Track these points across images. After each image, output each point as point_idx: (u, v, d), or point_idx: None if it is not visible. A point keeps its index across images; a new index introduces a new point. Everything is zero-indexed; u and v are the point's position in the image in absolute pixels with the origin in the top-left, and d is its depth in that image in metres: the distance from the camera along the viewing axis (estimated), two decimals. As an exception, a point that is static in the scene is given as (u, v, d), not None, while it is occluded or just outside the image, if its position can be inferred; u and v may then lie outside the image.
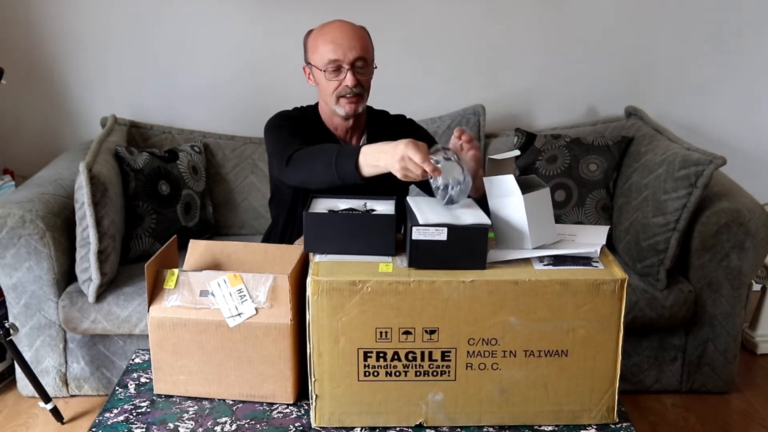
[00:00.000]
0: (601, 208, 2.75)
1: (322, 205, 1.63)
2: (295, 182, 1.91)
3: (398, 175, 1.61)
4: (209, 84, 3.11)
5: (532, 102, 3.19)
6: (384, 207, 1.63)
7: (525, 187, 1.52)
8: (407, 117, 2.24)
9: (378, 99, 2.38)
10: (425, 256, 1.45)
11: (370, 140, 2.12)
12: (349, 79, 1.97)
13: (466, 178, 1.56)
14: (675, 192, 2.39)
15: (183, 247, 1.79)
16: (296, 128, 2.03)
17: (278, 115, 2.13)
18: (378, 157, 1.66)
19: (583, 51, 3.14)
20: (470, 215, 1.49)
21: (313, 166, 1.79)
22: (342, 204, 1.64)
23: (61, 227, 2.43)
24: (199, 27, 3.06)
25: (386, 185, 1.87)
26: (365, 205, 1.63)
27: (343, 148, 1.77)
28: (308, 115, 2.14)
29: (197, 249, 1.77)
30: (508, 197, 1.51)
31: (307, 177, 1.83)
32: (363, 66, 2.00)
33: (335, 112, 2.04)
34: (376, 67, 2.06)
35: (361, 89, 2.01)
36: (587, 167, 2.78)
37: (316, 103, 2.16)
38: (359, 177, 1.70)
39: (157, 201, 2.66)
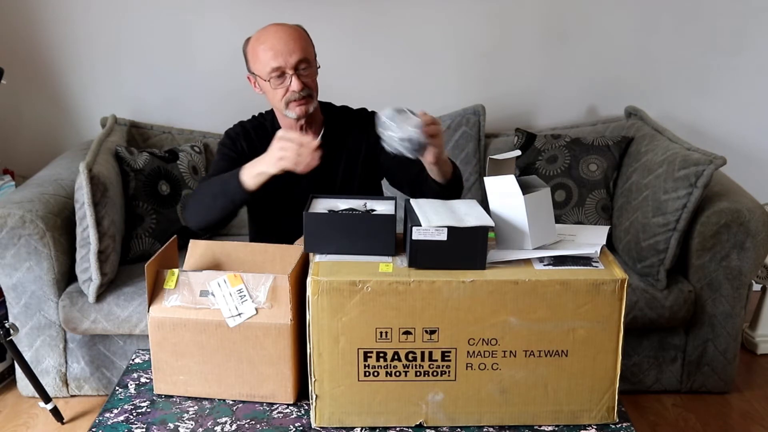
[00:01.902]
0: (601, 208, 2.75)
1: (322, 205, 1.63)
2: (195, 224, 1.98)
3: (274, 164, 1.75)
4: (209, 84, 3.11)
5: (532, 102, 3.19)
6: (384, 207, 1.63)
7: (525, 187, 1.52)
8: (369, 110, 2.23)
9: (378, 99, 2.38)
10: (425, 256, 1.45)
11: (328, 135, 2.14)
12: (294, 84, 1.97)
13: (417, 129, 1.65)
14: (675, 192, 2.39)
15: (183, 247, 1.79)
16: (230, 156, 2.07)
17: (227, 133, 2.16)
18: (256, 164, 1.81)
19: (583, 51, 3.14)
20: (473, 216, 1.49)
21: (204, 201, 1.92)
22: (342, 204, 1.64)
23: (61, 227, 2.43)
24: (199, 27, 3.06)
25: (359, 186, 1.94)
26: (365, 205, 1.63)
27: (224, 176, 1.90)
28: (264, 122, 2.16)
29: (197, 249, 1.77)
30: (509, 197, 1.51)
31: (203, 214, 1.94)
32: (306, 67, 2.00)
33: (287, 116, 2.06)
34: (319, 67, 2.07)
35: (309, 90, 2.01)
36: (587, 167, 2.78)
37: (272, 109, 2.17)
38: (245, 192, 1.83)
39: (157, 201, 2.66)
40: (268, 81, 1.98)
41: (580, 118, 3.20)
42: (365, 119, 2.20)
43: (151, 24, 3.04)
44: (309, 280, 1.42)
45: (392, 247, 1.51)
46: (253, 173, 1.81)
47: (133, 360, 1.79)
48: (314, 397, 1.48)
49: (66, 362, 2.54)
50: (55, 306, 2.46)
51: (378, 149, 2.15)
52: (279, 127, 2.13)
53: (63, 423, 2.46)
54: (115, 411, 1.59)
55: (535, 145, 2.88)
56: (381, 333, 1.44)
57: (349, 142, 2.15)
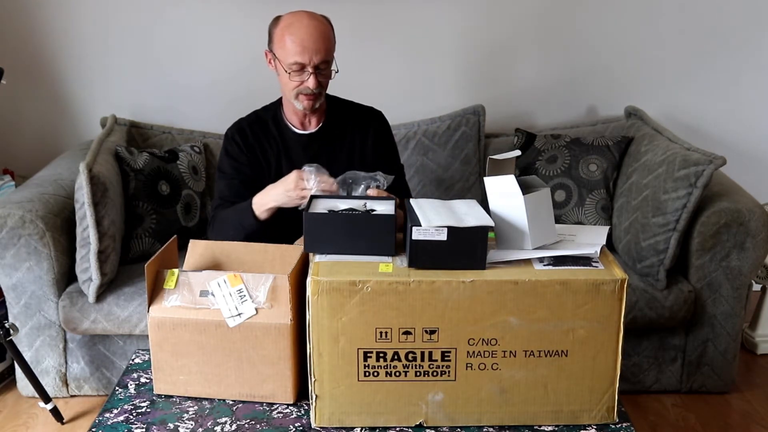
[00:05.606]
0: (601, 208, 2.75)
1: (322, 205, 1.63)
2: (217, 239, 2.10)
3: (280, 201, 1.94)
4: (209, 84, 3.11)
5: (532, 102, 3.19)
6: (384, 207, 1.63)
7: (525, 188, 1.52)
8: (381, 113, 2.30)
9: (379, 99, 2.39)
10: (425, 256, 1.45)
11: (328, 126, 2.21)
12: (311, 82, 2.05)
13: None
14: (675, 192, 2.39)
15: (183, 247, 1.79)
16: (238, 159, 2.17)
17: (226, 134, 2.24)
18: (266, 198, 1.99)
19: (583, 51, 3.14)
20: (473, 216, 1.49)
21: (227, 230, 2.06)
22: (342, 204, 1.64)
23: (61, 227, 2.43)
24: (199, 27, 3.06)
25: None
26: (365, 205, 1.63)
27: (240, 209, 2.05)
28: (265, 115, 2.23)
29: (197, 249, 1.77)
30: (509, 198, 1.51)
31: (224, 238, 2.02)
32: (326, 68, 2.07)
33: (293, 104, 2.13)
34: (337, 71, 2.12)
35: (321, 88, 2.09)
36: (587, 167, 2.78)
37: (281, 97, 2.23)
38: (257, 222, 2.01)
39: (157, 201, 2.66)
40: (288, 73, 2.05)
41: (580, 118, 3.20)
42: (369, 116, 2.26)
43: (151, 24, 3.04)
44: (309, 280, 1.42)
45: (392, 247, 1.51)
46: (263, 207, 1.99)
47: (133, 360, 1.79)
48: (314, 397, 1.48)
49: (66, 362, 2.54)
50: (55, 306, 2.46)
51: (372, 149, 2.21)
52: (282, 119, 2.21)
53: (63, 423, 2.46)
54: (115, 411, 1.59)
55: (535, 145, 2.88)
56: (381, 333, 1.44)
57: (348, 136, 2.21)
